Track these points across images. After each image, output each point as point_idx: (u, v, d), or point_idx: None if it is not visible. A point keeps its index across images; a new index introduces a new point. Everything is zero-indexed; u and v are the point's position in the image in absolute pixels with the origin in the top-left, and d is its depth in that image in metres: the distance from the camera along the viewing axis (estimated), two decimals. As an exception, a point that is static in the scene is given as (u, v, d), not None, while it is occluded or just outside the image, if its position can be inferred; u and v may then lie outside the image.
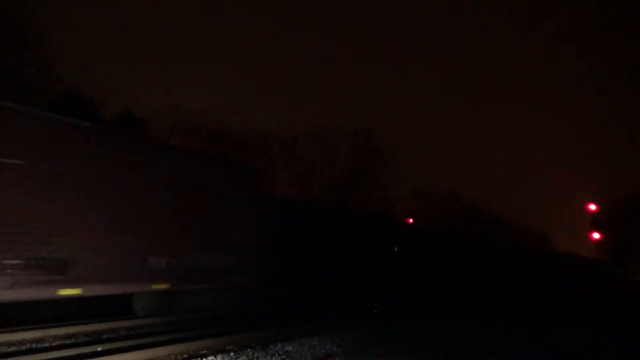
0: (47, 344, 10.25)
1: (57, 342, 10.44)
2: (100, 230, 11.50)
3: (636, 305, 24.26)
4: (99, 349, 9.71)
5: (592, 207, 24.92)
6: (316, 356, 9.64)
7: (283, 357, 9.46)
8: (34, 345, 10.06)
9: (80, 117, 24.66)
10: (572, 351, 11.27)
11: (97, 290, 11.36)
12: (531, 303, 24.96)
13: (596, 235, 25.34)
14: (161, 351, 9.66)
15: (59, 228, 10.67)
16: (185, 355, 9.43)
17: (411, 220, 46.63)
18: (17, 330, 11.00)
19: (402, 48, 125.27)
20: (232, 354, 9.49)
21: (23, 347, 9.85)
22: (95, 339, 10.97)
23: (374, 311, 19.14)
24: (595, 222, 24.90)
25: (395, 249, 28.19)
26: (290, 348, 10.17)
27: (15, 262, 9.82)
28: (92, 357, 8.98)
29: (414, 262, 28.92)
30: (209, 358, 9.04)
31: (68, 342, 10.54)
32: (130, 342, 10.50)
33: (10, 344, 10.04)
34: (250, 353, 9.60)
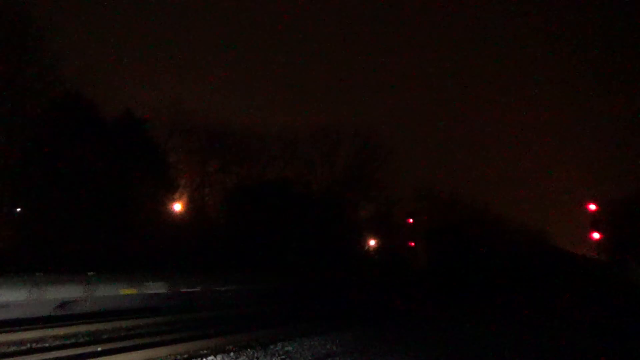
0: (47, 344, 10.25)
1: (57, 342, 10.44)
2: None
3: (634, 306, 24.23)
4: (99, 349, 9.70)
5: (592, 207, 24.88)
6: (316, 356, 9.64)
7: (283, 357, 9.45)
8: (34, 345, 10.06)
9: (81, 117, 24.55)
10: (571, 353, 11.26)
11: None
12: (527, 301, 24.96)
13: (596, 235, 25.29)
14: (161, 351, 9.65)
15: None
16: (185, 355, 9.42)
17: (411, 220, 46.62)
18: (17, 330, 11.01)
19: (402, 49, 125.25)
20: (232, 354, 9.49)
21: (23, 347, 9.85)
22: (95, 339, 10.97)
23: None
24: (595, 222, 24.85)
25: None
26: (290, 348, 10.17)
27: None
28: (92, 357, 8.98)
29: None
30: (209, 358, 9.03)
31: (68, 342, 10.54)
32: (130, 342, 10.49)
33: (11, 344, 10.04)
34: (250, 353, 9.60)
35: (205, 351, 9.78)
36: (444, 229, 46.63)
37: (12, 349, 9.70)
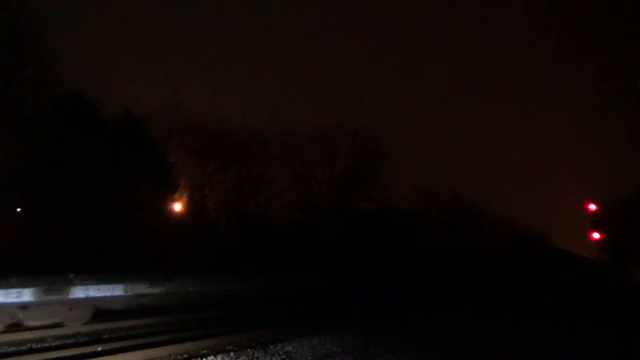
0: (47, 344, 10.25)
1: (57, 342, 10.44)
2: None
3: (632, 305, 24.25)
4: (99, 349, 9.70)
5: (592, 207, 24.84)
6: (316, 356, 9.64)
7: (283, 357, 9.45)
8: (34, 345, 10.06)
9: (81, 117, 24.59)
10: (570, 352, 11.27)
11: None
12: (525, 301, 24.97)
13: (596, 235, 25.25)
14: (161, 351, 9.65)
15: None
16: (185, 355, 9.42)
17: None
18: (17, 331, 11.00)
19: (402, 49, 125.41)
20: (232, 354, 9.49)
21: (23, 347, 9.85)
22: (95, 339, 10.97)
23: None
24: (595, 222, 24.80)
25: None
26: (290, 348, 10.17)
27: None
28: (92, 357, 8.98)
29: None
30: (209, 358, 9.03)
31: (68, 342, 10.54)
32: (130, 342, 10.49)
33: (11, 344, 10.04)
34: (250, 353, 9.60)
35: (205, 351, 9.77)
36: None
37: (12, 349, 9.70)
